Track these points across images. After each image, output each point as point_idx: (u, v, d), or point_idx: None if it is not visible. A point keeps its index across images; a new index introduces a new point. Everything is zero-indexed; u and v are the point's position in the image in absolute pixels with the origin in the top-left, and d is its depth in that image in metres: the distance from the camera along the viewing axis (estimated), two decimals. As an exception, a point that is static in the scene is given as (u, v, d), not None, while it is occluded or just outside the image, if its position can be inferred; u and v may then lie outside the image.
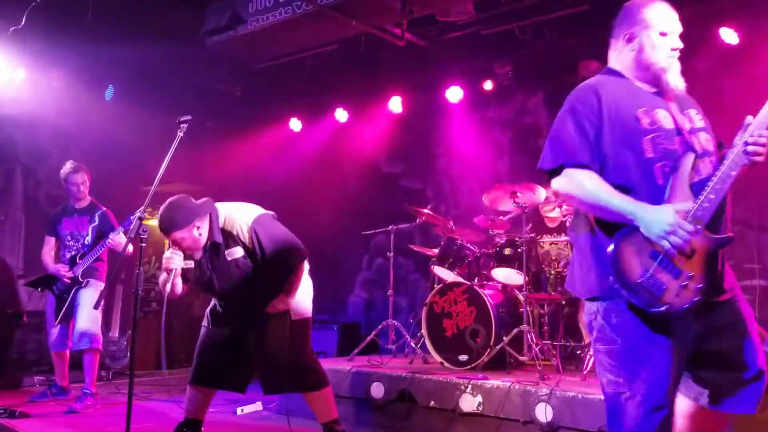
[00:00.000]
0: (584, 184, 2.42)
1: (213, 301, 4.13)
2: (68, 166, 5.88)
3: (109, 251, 5.83)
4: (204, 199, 3.91)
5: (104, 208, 5.92)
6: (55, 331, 5.73)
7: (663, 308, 2.27)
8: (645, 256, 2.33)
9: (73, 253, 5.74)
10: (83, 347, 5.58)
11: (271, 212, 4.05)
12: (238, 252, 3.87)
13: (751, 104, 6.33)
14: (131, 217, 5.47)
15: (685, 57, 6.77)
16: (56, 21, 6.58)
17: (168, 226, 3.72)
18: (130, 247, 5.52)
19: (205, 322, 4.13)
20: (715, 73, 6.45)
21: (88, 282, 5.68)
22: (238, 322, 3.98)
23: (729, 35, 6.06)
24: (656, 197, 2.39)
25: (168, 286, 3.77)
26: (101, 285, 5.73)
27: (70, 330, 5.70)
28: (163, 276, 3.83)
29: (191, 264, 3.91)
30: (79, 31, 6.62)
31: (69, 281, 5.64)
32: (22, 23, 6.32)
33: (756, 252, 6.16)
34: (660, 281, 2.30)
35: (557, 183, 2.51)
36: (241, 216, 3.91)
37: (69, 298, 5.66)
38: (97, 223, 5.83)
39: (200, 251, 3.87)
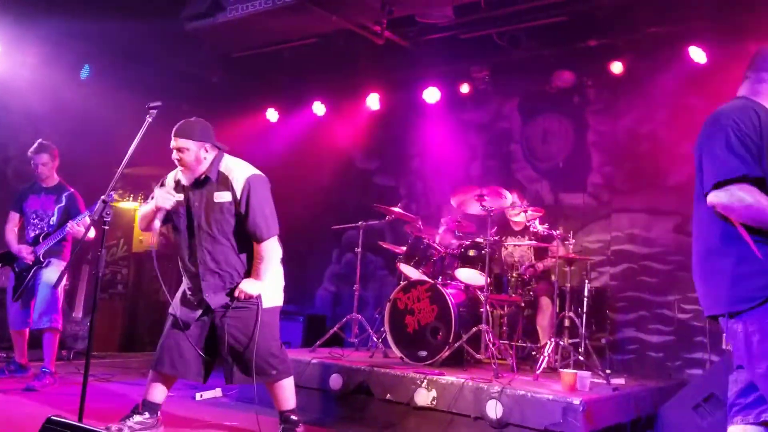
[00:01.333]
0: (747, 198, 2.53)
1: (182, 287, 4.18)
2: (34, 145, 5.85)
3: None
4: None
5: (72, 189, 5.90)
6: (14, 310, 5.74)
7: None
8: None
9: (37, 232, 5.75)
10: (43, 326, 5.61)
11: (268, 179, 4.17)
12: (226, 197, 3.97)
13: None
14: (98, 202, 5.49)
15: (652, 74, 7.00)
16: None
17: (183, 131, 3.92)
18: (92, 232, 5.59)
19: (172, 309, 4.16)
20: (683, 91, 6.65)
21: (50, 262, 5.70)
22: (207, 302, 3.99)
23: (698, 54, 6.22)
24: None
25: (153, 222, 3.99)
26: (63, 264, 5.75)
27: (31, 309, 5.71)
28: (147, 208, 3.98)
29: (180, 197, 4.01)
30: (57, 8, 6.61)
31: (30, 261, 5.65)
32: (-2, 0, 6.31)
33: None
34: None
35: (716, 197, 2.60)
36: (242, 167, 4.07)
37: (29, 277, 5.67)
38: (63, 203, 5.81)
39: (189, 179, 3.98)
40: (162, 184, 4.16)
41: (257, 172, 4.12)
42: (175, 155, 3.97)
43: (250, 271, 4.04)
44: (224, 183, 3.99)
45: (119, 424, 3.91)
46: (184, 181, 4.03)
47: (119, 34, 6.85)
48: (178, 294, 4.19)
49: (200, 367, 4.08)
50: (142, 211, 4.11)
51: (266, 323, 4.03)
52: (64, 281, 5.80)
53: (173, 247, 4.25)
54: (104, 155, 7.91)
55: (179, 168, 4.03)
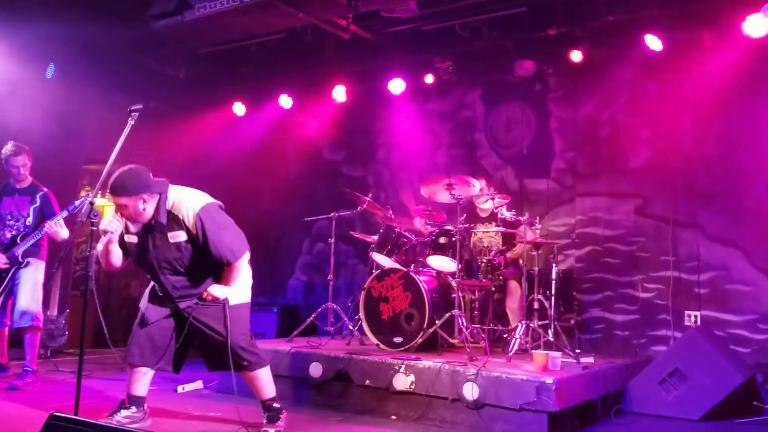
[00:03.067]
0: None
1: (152, 282, 4.25)
2: (9, 147, 5.82)
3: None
4: (160, 179, 3.99)
5: (45, 189, 5.90)
6: None
7: None
8: None
9: (13, 233, 5.74)
10: (24, 325, 5.63)
11: (219, 202, 4.13)
12: (181, 236, 3.97)
13: (673, 108, 6.80)
14: (75, 202, 5.53)
15: (610, 62, 7.22)
16: (-3, -4, 6.53)
17: (116, 189, 3.81)
18: (65, 232, 5.65)
19: (142, 304, 4.25)
20: (640, 78, 6.88)
21: (28, 262, 5.71)
22: (176, 304, 4.11)
23: (653, 42, 6.44)
24: None
25: (102, 250, 3.94)
26: (42, 264, 5.79)
27: (9, 308, 5.72)
28: (101, 244, 3.93)
29: (134, 239, 4.03)
30: (22, 7, 6.58)
31: (6, 266, 5.66)
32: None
33: (671, 245, 6.62)
34: None
35: None
36: (189, 201, 3.97)
37: (8, 278, 5.68)
38: (38, 204, 5.81)
39: (140, 225, 3.97)
40: None
41: (205, 200, 4.03)
42: (118, 211, 3.92)
43: (218, 278, 4.15)
44: (176, 221, 3.95)
45: (107, 419, 3.99)
46: (133, 229, 4.03)
47: (85, 33, 6.82)
48: (148, 289, 4.26)
49: (170, 356, 4.16)
50: (99, 252, 4.00)
51: (234, 319, 4.12)
52: (43, 280, 5.82)
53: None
54: (72, 153, 7.92)
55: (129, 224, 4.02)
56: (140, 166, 3.94)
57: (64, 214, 5.58)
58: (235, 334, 4.11)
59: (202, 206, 3.96)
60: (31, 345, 5.66)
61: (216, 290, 4.09)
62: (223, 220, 4.07)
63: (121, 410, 4.11)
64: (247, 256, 4.17)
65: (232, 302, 4.13)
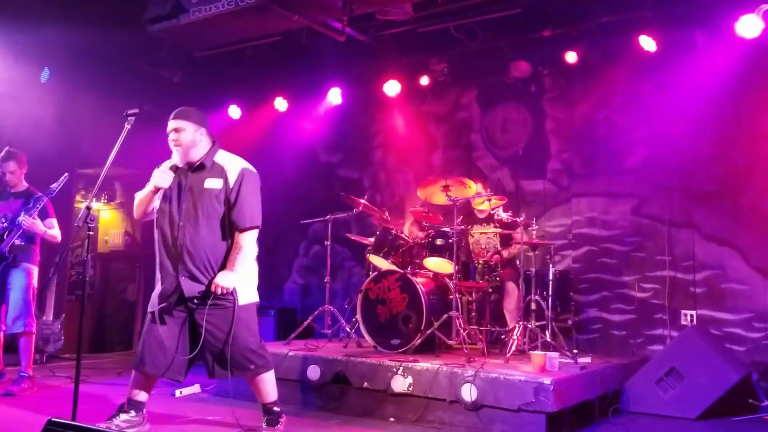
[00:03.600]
0: None
1: (157, 286, 4.20)
2: (1, 154, 5.84)
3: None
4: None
5: (39, 194, 5.89)
6: None
7: None
8: None
9: (1, 232, 5.75)
10: (17, 331, 5.62)
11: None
12: (217, 184, 4.09)
13: (668, 108, 6.82)
14: (52, 186, 5.54)
15: (604, 62, 7.23)
16: (-8, 0, 6.52)
17: (181, 113, 4.14)
18: (57, 231, 5.75)
19: (150, 307, 4.18)
20: (633, 78, 6.90)
21: (19, 261, 5.70)
22: (182, 283, 4.02)
23: (647, 43, 6.47)
24: None
25: (144, 198, 4.09)
26: (34, 268, 5.79)
27: (3, 314, 5.71)
28: (144, 192, 4.07)
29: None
30: (16, 11, 6.57)
31: None
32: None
33: (667, 245, 6.64)
34: None
35: None
36: (237, 159, 4.22)
37: (0, 280, 5.66)
38: (31, 206, 5.81)
39: (183, 161, 4.13)
40: (157, 168, 4.23)
41: (251, 167, 4.25)
42: (171, 137, 4.12)
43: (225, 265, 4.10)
44: (218, 171, 4.13)
45: (106, 423, 3.99)
46: (179, 163, 4.16)
47: (79, 37, 6.81)
48: (155, 292, 4.21)
49: (181, 365, 4.13)
50: (139, 197, 4.16)
51: (243, 319, 4.11)
52: (35, 284, 5.82)
53: (151, 232, 4.25)
54: (66, 157, 7.89)
55: (175, 150, 4.15)
56: None
57: (43, 200, 5.59)
58: (244, 335, 4.10)
59: (248, 167, 4.21)
60: (26, 350, 5.65)
61: (224, 279, 4.00)
62: (257, 190, 4.26)
63: (120, 414, 4.10)
64: (255, 245, 4.24)
65: (242, 302, 4.11)
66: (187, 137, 4.10)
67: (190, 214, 4.06)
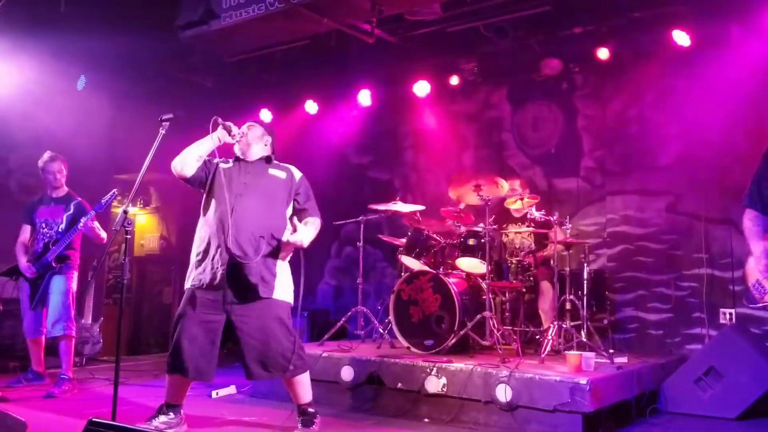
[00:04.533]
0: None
1: (194, 280, 4.18)
2: (45, 155, 6.03)
3: (83, 240, 6.00)
4: None
5: (80, 199, 6.04)
6: (28, 318, 5.87)
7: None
8: None
9: (45, 240, 5.87)
10: (57, 334, 5.75)
11: None
12: (281, 174, 4.37)
13: (702, 104, 6.70)
14: (102, 201, 5.65)
15: (637, 58, 7.13)
16: (30, 11, 6.66)
17: (258, 121, 4.52)
18: (104, 234, 5.87)
19: (181, 311, 4.16)
20: (666, 74, 6.80)
21: (61, 268, 5.84)
22: (231, 247, 4.05)
23: (681, 37, 6.37)
24: None
25: (200, 158, 4.28)
26: (74, 272, 5.93)
27: (44, 317, 5.84)
28: (204, 143, 4.28)
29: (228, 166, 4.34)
30: (53, 21, 6.70)
31: (36, 272, 5.78)
32: (-1, 8, 6.38)
33: (704, 243, 6.53)
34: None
35: None
36: (295, 168, 4.51)
37: (43, 284, 5.80)
38: (72, 211, 5.94)
39: (245, 154, 4.36)
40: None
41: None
42: (242, 130, 4.33)
43: (278, 246, 4.22)
44: (281, 168, 4.43)
45: (146, 424, 4.04)
46: (241, 155, 4.38)
47: (114, 45, 6.93)
48: (187, 296, 4.20)
49: (214, 366, 4.16)
50: (193, 146, 4.32)
51: (281, 320, 4.16)
52: (74, 288, 5.95)
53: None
54: (103, 163, 8.05)
55: (239, 145, 4.36)
56: None
57: (94, 212, 5.75)
58: (284, 335, 4.15)
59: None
60: (66, 353, 5.77)
61: (301, 234, 4.11)
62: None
63: (160, 415, 4.15)
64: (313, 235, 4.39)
65: (281, 297, 4.21)
66: (257, 133, 4.39)
67: (248, 199, 4.19)
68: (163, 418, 4.12)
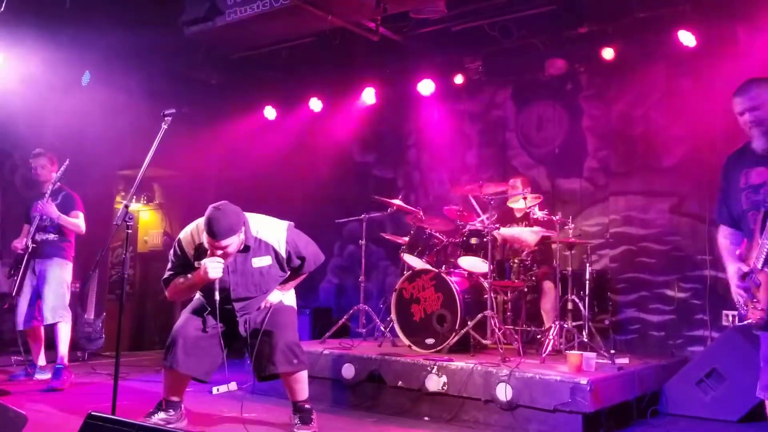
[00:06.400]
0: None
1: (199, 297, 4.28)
2: (34, 151, 6.16)
3: (83, 239, 6.06)
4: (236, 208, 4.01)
5: (68, 190, 6.11)
6: (19, 309, 5.91)
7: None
8: None
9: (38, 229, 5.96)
10: (53, 321, 5.82)
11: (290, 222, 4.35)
12: (266, 261, 4.12)
13: (707, 105, 6.67)
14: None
15: (642, 59, 7.07)
16: (35, 7, 6.66)
17: (221, 233, 3.77)
18: (81, 220, 6.00)
19: (189, 310, 4.26)
20: (672, 74, 6.78)
21: (52, 258, 5.92)
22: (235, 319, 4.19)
23: (686, 38, 6.35)
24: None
25: (189, 285, 4.03)
26: (68, 263, 6.01)
27: (36, 308, 5.90)
28: (189, 280, 3.98)
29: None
30: (58, 17, 6.71)
31: (22, 251, 5.86)
32: (1, 9, 6.39)
33: (707, 244, 6.51)
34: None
35: None
36: (274, 227, 4.19)
37: (36, 275, 5.88)
38: (59, 201, 6.02)
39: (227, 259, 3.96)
40: (179, 249, 4.09)
41: (284, 223, 4.28)
42: (218, 252, 3.87)
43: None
44: (263, 248, 4.12)
45: (144, 420, 4.05)
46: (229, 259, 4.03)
47: (118, 41, 6.93)
48: (196, 301, 4.30)
49: (214, 366, 4.24)
50: (181, 285, 4.06)
51: (289, 315, 4.26)
52: (68, 279, 6.04)
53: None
54: (106, 158, 8.05)
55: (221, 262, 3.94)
56: (223, 201, 3.93)
57: (50, 188, 5.89)
58: (292, 329, 4.23)
59: (287, 228, 4.23)
60: (62, 339, 5.85)
61: (275, 297, 4.27)
62: (305, 237, 4.37)
63: (159, 412, 4.16)
64: None
65: (287, 303, 4.33)
66: (234, 246, 3.91)
67: (241, 292, 4.13)
68: (162, 414, 4.13)
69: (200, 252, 4.00)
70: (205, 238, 3.86)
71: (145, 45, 7.22)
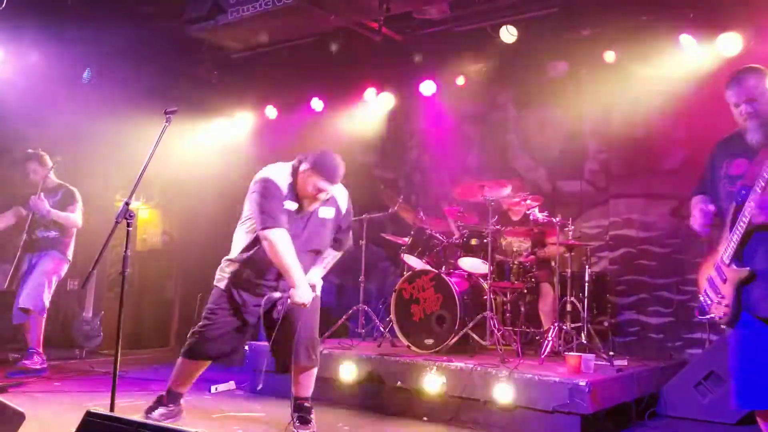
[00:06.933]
0: None
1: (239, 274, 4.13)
2: (26, 153, 6.20)
3: (84, 237, 6.07)
4: None
5: (69, 186, 6.18)
6: (15, 303, 5.94)
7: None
8: None
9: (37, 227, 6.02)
10: (26, 306, 5.85)
11: None
12: (330, 213, 4.14)
13: (709, 108, 6.63)
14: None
15: (646, 62, 7.02)
16: (36, 3, 6.66)
17: (341, 178, 4.09)
18: (79, 215, 6.07)
19: (218, 302, 4.13)
20: (673, 78, 6.76)
21: (49, 251, 6.00)
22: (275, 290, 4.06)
23: (688, 42, 6.35)
24: None
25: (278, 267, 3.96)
26: (63, 257, 6.08)
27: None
28: (291, 265, 3.87)
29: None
30: (59, 14, 6.71)
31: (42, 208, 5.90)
32: (2, 5, 6.39)
33: (707, 247, 6.50)
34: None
35: None
36: (343, 189, 4.27)
37: (28, 266, 5.94)
38: (59, 197, 6.10)
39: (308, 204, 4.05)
40: (275, 189, 4.06)
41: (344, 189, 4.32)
42: (320, 196, 4.01)
43: None
44: (331, 199, 4.16)
45: (145, 416, 4.04)
46: (306, 207, 4.07)
47: (120, 39, 6.94)
48: (228, 281, 4.14)
49: (242, 350, 4.22)
50: (284, 254, 3.89)
51: (316, 305, 4.17)
52: (60, 274, 6.12)
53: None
54: (106, 156, 8.04)
55: (305, 200, 4.04)
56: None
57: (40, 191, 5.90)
58: (316, 325, 4.19)
59: (345, 190, 4.29)
60: (35, 328, 5.90)
61: (315, 276, 4.14)
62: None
63: (159, 407, 4.14)
64: None
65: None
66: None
67: (303, 242, 4.05)
68: (161, 410, 4.13)
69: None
70: (316, 181, 3.96)
71: (146, 42, 7.22)
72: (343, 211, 4.22)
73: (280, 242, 3.86)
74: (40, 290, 5.93)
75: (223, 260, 4.24)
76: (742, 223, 2.95)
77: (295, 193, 4.04)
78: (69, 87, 7.50)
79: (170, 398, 4.19)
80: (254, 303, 4.10)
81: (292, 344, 3.99)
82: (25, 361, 5.75)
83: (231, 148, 9.09)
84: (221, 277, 4.19)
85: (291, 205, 4.01)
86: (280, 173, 4.12)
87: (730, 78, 3.21)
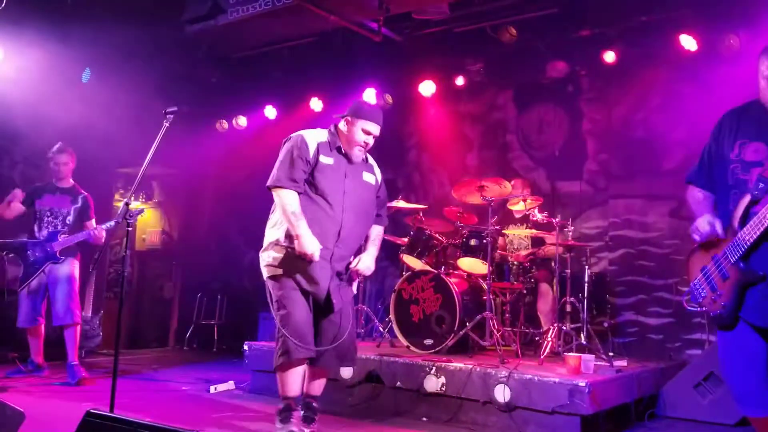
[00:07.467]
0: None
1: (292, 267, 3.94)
2: (57, 146, 6.15)
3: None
4: None
5: (85, 193, 6.13)
6: (24, 306, 5.87)
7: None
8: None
9: (50, 229, 5.90)
10: (68, 322, 5.80)
11: None
12: (372, 179, 4.14)
13: (709, 109, 6.66)
14: (118, 218, 5.64)
15: (643, 62, 7.07)
16: (36, 2, 6.66)
17: (381, 119, 4.09)
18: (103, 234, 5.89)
19: (289, 295, 3.89)
20: (673, 78, 6.79)
21: (64, 260, 5.89)
22: (333, 263, 3.93)
23: (688, 42, 6.35)
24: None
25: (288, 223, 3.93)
26: (77, 263, 6.01)
27: (43, 306, 5.89)
28: (300, 223, 3.80)
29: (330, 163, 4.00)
30: (59, 13, 6.71)
31: (41, 254, 5.82)
32: (2, 5, 6.38)
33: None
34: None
35: None
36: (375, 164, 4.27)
37: (39, 271, 5.83)
38: (79, 205, 6.06)
39: (355, 158, 4.03)
40: (306, 147, 4.03)
41: None
42: (368, 140, 4.03)
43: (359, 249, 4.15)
44: (371, 167, 4.19)
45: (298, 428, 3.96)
46: (355, 159, 4.03)
47: (119, 38, 6.93)
48: (291, 273, 3.92)
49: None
50: (294, 213, 3.88)
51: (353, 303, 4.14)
52: (77, 276, 6.03)
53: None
54: (105, 155, 8.04)
55: (359, 150, 4.01)
56: None
57: (112, 224, 5.72)
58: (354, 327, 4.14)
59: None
60: (72, 340, 5.85)
61: (369, 260, 4.04)
62: None
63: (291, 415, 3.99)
64: None
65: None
66: (374, 138, 4.08)
67: (351, 204, 3.98)
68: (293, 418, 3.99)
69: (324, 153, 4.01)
70: (362, 125, 3.99)
71: (146, 42, 7.22)
72: (380, 180, 4.24)
73: (286, 198, 3.96)
74: (75, 302, 5.91)
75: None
76: (761, 225, 2.71)
77: (336, 148, 4.05)
78: (68, 87, 7.49)
79: (304, 404, 4.13)
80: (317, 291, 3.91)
81: (330, 343, 3.92)
82: (78, 375, 5.70)
83: (231, 148, 9.08)
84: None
85: (327, 160, 3.99)
86: (313, 132, 4.17)
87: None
